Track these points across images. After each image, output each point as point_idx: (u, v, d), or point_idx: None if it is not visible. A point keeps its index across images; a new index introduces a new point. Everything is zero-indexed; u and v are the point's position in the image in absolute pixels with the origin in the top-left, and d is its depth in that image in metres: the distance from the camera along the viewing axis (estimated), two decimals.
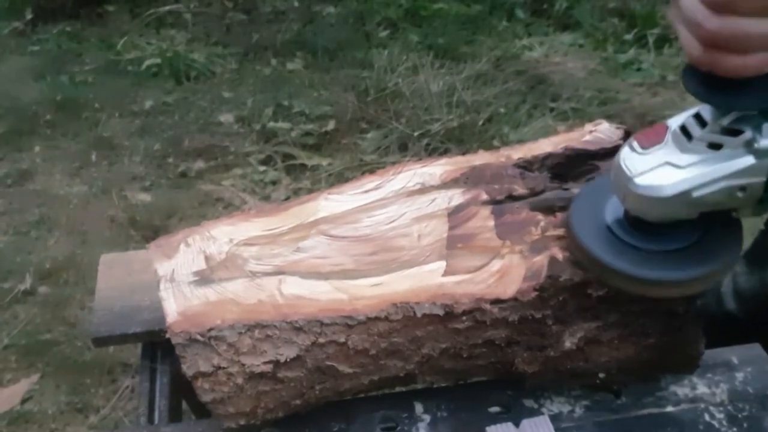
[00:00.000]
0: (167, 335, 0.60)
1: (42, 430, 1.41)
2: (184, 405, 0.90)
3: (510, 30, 2.59)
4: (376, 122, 2.14)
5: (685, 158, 0.54)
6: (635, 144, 0.57)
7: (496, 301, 0.62)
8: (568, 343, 0.65)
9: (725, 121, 0.53)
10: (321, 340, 0.61)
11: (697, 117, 0.54)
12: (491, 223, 0.68)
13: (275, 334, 0.60)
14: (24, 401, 1.46)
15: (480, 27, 2.59)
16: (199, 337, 0.60)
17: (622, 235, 0.60)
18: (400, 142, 2.06)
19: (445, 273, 0.64)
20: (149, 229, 1.82)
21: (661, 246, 0.59)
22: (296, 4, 2.74)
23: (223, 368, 0.60)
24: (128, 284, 0.87)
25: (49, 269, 1.73)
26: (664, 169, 0.54)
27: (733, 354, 0.75)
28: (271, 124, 2.16)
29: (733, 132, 0.53)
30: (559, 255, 0.64)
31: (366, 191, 0.73)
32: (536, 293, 0.62)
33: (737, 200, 0.55)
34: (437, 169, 0.75)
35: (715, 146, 0.53)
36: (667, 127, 0.56)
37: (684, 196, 0.54)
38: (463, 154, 0.77)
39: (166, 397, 0.81)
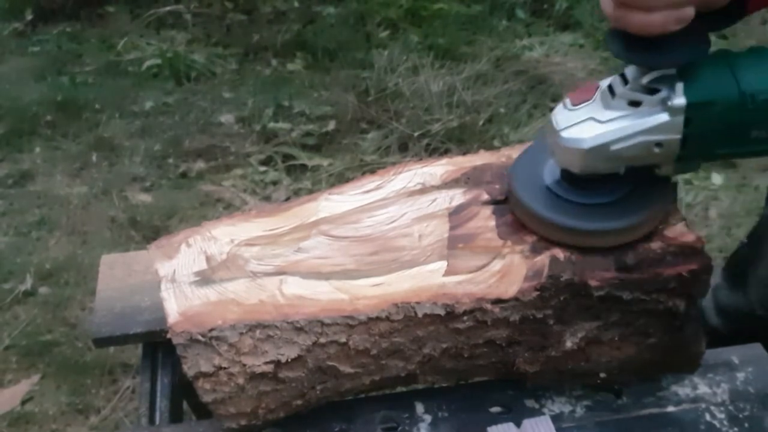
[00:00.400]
0: (168, 335, 0.60)
1: (42, 431, 1.41)
2: (185, 405, 0.90)
3: (510, 30, 2.58)
4: (376, 122, 2.14)
5: (607, 114, 0.57)
6: (567, 101, 0.60)
7: (497, 301, 0.62)
8: (569, 343, 0.65)
9: (644, 80, 0.56)
10: (322, 340, 0.61)
11: (622, 76, 0.58)
12: (492, 223, 0.68)
13: (276, 334, 0.60)
14: (24, 402, 1.45)
15: (480, 27, 2.58)
16: (200, 338, 0.60)
17: (558, 191, 0.64)
18: (401, 142, 2.06)
19: (446, 273, 0.64)
20: (150, 230, 1.82)
21: (593, 200, 0.62)
22: (296, 4, 2.74)
23: (225, 368, 0.60)
24: (129, 285, 0.87)
25: (50, 270, 1.73)
26: (588, 123, 0.58)
27: (734, 354, 0.75)
28: (272, 124, 2.16)
29: (651, 90, 0.56)
30: (560, 255, 0.64)
31: (367, 191, 0.73)
32: (537, 293, 0.62)
33: (654, 156, 0.58)
34: (438, 169, 0.75)
35: (634, 103, 0.56)
36: (597, 86, 0.59)
37: (603, 149, 0.57)
38: (464, 154, 0.77)
39: (167, 397, 0.81)
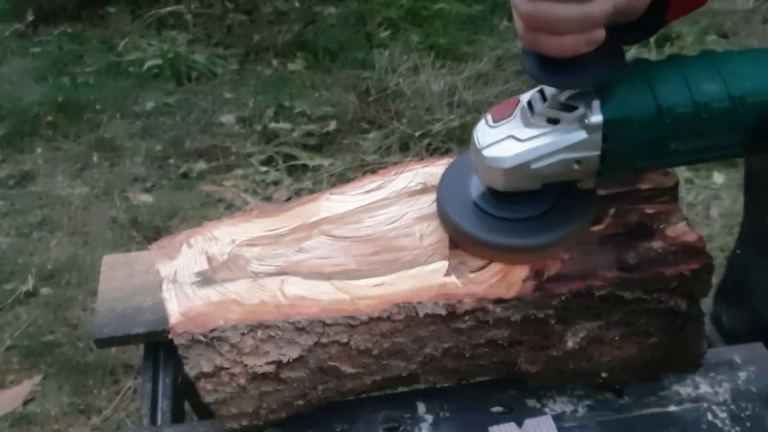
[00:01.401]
0: (170, 336, 0.60)
1: (44, 431, 1.41)
2: (187, 406, 0.90)
3: (511, 30, 2.58)
4: (377, 122, 2.14)
5: (526, 132, 0.57)
6: (489, 117, 0.60)
7: (499, 301, 0.62)
8: (571, 343, 0.65)
9: (562, 98, 0.55)
10: (323, 340, 0.61)
11: (541, 92, 0.57)
12: None
13: (278, 334, 0.60)
14: (26, 403, 1.45)
15: (481, 27, 2.58)
16: (201, 338, 0.60)
17: (483, 206, 0.64)
18: (402, 142, 2.06)
19: (448, 273, 0.64)
20: (151, 230, 1.82)
21: (516, 214, 0.62)
22: (297, 4, 2.74)
23: (226, 369, 0.60)
24: (130, 285, 0.87)
25: (51, 270, 1.73)
26: (508, 142, 0.57)
27: (735, 353, 0.75)
28: (273, 124, 2.16)
29: (569, 108, 0.55)
30: (562, 254, 0.64)
31: (368, 191, 0.73)
32: (538, 293, 0.62)
33: (575, 172, 0.58)
34: (439, 169, 0.75)
35: (553, 121, 0.56)
36: (518, 102, 0.59)
37: (524, 168, 0.57)
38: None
39: (169, 398, 0.82)
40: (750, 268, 1.07)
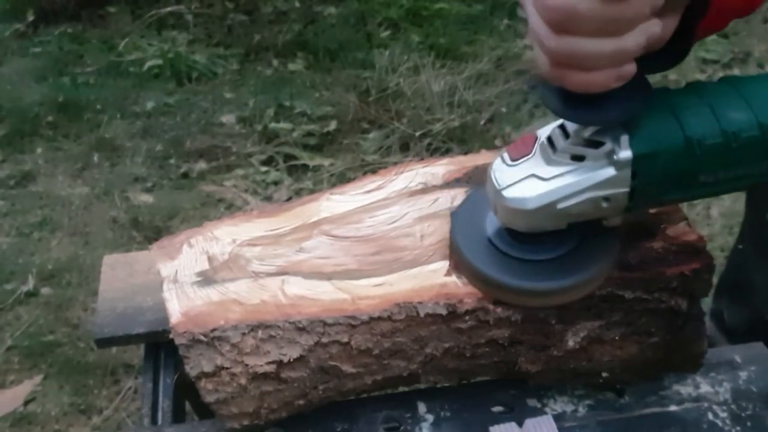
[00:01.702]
0: (170, 336, 0.60)
1: (45, 431, 1.41)
2: (188, 406, 0.90)
3: (511, 29, 2.58)
4: (377, 122, 2.14)
5: (549, 170, 0.54)
6: (506, 155, 0.57)
7: (499, 301, 0.62)
8: (571, 343, 0.65)
9: (586, 133, 0.53)
10: (324, 340, 0.61)
11: (562, 128, 0.55)
12: None
13: (278, 334, 0.60)
14: (27, 403, 1.45)
15: (481, 27, 2.58)
16: (202, 338, 0.60)
17: (501, 246, 0.60)
18: (402, 142, 2.06)
19: (448, 273, 0.64)
20: (152, 230, 1.82)
21: (537, 255, 0.59)
22: (297, 4, 2.74)
23: (227, 368, 0.60)
24: (131, 285, 0.87)
25: (52, 270, 1.73)
26: (530, 181, 0.55)
27: (736, 353, 0.75)
28: (273, 124, 2.16)
29: (594, 144, 0.53)
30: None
31: (368, 191, 0.73)
32: None
33: (602, 210, 0.55)
34: (439, 168, 0.75)
35: (578, 158, 0.54)
36: (535, 138, 0.56)
37: (549, 208, 0.54)
38: (465, 153, 0.77)
39: (170, 397, 0.81)
40: (750, 265, 1.07)
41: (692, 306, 0.65)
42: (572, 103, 0.50)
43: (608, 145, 0.53)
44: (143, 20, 2.67)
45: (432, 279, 0.63)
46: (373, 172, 0.75)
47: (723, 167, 0.54)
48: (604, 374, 0.69)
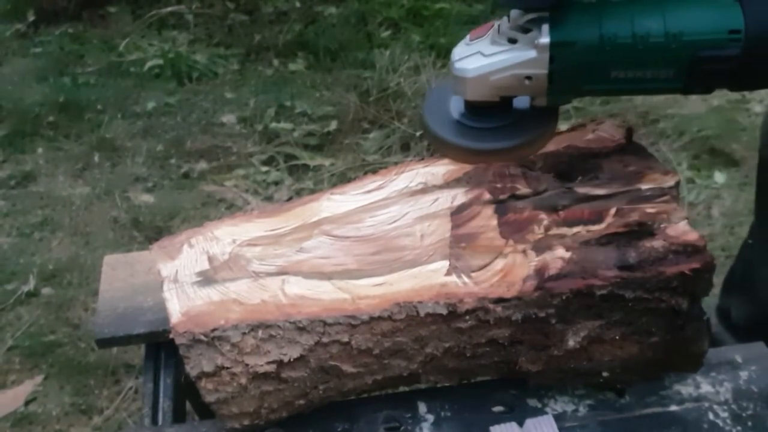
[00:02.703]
0: (171, 336, 0.60)
1: (46, 431, 1.41)
2: (188, 406, 0.90)
3: None
4: (378, 122, 2.14)
5: (491, 48, 0.65)
6: (467, 37, 0.68)
7: (500, 300, 0.62)
8: (572, 342, 0.65)
9: (521, 20, 0.63)
10: (324, 339, 0.61)
11: (508, 17, 0.65)
12: (494, 222, 0.68)
13: (279, 334, 0.60)
14: (28, 403, 1.46)
15: None
16: (202, 338, 0.60)
17: (460, 118, 0.70)
18: (403, 142, 2.06)
19: (448, 272, 0.64)
20: (152, 230, 1.82)
21: (486, 124, 0.69)
22: (298, 4, 2.74)
23: (227, 368, 0.60)
24: (131, 285, 0.87)
25: (53, 271, 1.73)
26: (475, 56, 0.65)
27: (737, 353, 0.75)
28: (274, 124, 2.16)
29: (525, 30, 0.63)
30: (563, 253, 0.64)
31: (368, 191, 0.74)
32: (539, 292, 0.62)
33: (527, 88, 0.65)
34: (440, 168, 0.75)
35: (512, 41, 0.64)
36: (493, 25, 0.67)
37: (484, 79, 0.65)
38: None
39: (170, 398, 0.82)
40: (758, 259, 1.07)
41: (692, 306, 0.65)
42: None
43: (535, 32, 0.63)
44: (144, 20, 2.67)
45: (432, 279, 0.63)
46: (374, 172, 0.75)
47: (632, 66, 0.62)
48: (605, 374, 0.69)
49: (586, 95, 0.69)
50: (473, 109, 0.69)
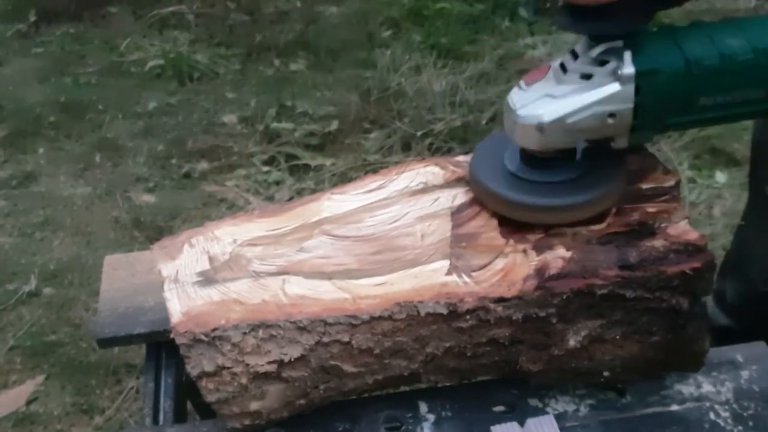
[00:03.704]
0: (171, 336, 0.60)
1: (47, 431, 1.41)
2: (189, 405, 0.90)
3: (513, 29, 2.58)
4: (379, 122, 2.14)
5: (560, 89, 0.60)
6: (522, 83, 0.63)
7: (500, 300, 0.62)
8: (573, 342, 0.65)
9: (594, 53, 0.59)
10: (325, 339, 0.61)
11: (572, 53, 0.61)
12: (495, 222, 0.68)
13: (279, 333, 0.60)
14: (29, 402, 1.46)
15: (483, 26, 2.58)
16: (203, 338, 0.60)
17: (519, 173, 0.66)
18: (404, 141, 2.06)
19: (449, 272, 0.64)
20: (153, 230, 1.83)
21: (552, 178, 0.65)
22: (299, 4, 2.74)
23: (228, 368, 0.60)
24: (132, 285, 0.87)
25: (54, 271, 1.73)
26: (543, 100, 0.60)
27: (738, 352, 0.75)
28: (275, 124, 2.16)
29: (601, 62, 0.59)
30: (563, 253, 0.64)
31: (369, 191, 0.73)
32: (540, 291, 0.62)
33: (609, 127, 0.60)
34: (440, 168, 0.75)
35: (586, 76, 0.59)
36: (549, 66, 0.62)
37: (560, 123, 0.60)
38: (467, 153, 0.77)
39: (171, 397, 0.82)
40: (751, 238, 1.09)
41: (693, 305, 0.65)
42: (580, 18, 0.56)
43: (613, 63, 0.58)
44: (145, 20, 2.68)
45: (433, 278, 0.63)
46: (375, 171, 0.75)
47: (720, 90, 0.59)
48: (606, 373, 0.69)
49: (671, 130, 0.65)
50: (535, 160, 0.64)
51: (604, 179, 0.64)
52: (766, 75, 0.58)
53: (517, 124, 0.61)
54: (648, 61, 0.58)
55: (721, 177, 1.87)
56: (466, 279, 0.63)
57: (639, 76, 0.57)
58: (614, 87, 0.58)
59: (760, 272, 1.05)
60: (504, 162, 0.67)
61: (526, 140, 0.62)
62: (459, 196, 0.71)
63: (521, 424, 0.67)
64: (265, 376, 0.61)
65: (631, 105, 0.58)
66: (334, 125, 2.15)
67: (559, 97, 0.59)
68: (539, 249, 0.65)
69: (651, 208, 0.66)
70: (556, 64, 0.61)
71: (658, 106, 0.59)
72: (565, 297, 0.63)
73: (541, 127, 0.60)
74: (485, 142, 0.71)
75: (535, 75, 0.62)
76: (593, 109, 0.59)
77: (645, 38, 0.58)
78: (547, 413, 0.69)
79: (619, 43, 0.58)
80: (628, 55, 0.57)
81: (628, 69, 0.57)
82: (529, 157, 0.65)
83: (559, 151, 0.63)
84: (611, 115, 0.59)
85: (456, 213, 0.69)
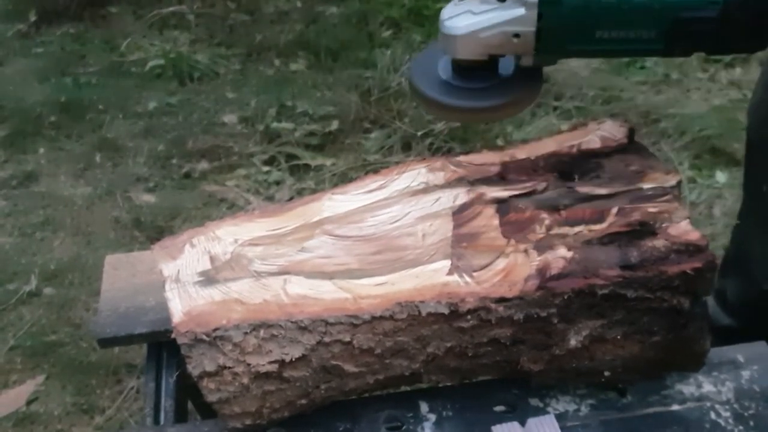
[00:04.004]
0: (173, 335, 0.60)
1: (48, 431, 1.41)
2: (190, 405, 0.90)
3: None
4: (379, 122, 2.14)
5: (480, 7, 0.67)
6: None
7: (501, 300, 0.62)
8: (573, 342, 0.65)
9: None
10: (326, 339, 0.61)
11: None
12: (496, 221, 0.68)
13: (280, 333, 0.60)
14: (29, 402, 1.46)
15: None
16: (204, 337, 0.60)
17: (449, 79, 0.73)
18: (404, 141, 2.05)
19: (450, 272, 0.64)
20: (154, 230, 1.82)
21: (473, 84, 0.72)
22: (299, 4, 2.74)
23: (229, 368, 0.60)
24: (133, 285, 0.87)
25: (54, 270, 1.73)
26: (465, 15, 0.68)
27: (738, 352, 0.75)
28: (275, 124, 2.16)
29: None
30: (564, 253, 0.64)
31: (370, 191, 0.73)
32: (541, 292, 0.62)
33: (515, 46, 0.68)
34: (441, 168, 0.75)
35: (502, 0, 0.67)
36: None
37: (473, 36, 0.67)
38: (467, 153, 0.77)
39: (172, 397, 0.82)
40: (749, 237, 1.09)
41: (694, 305, 0.65)
42: None
43: None
44: (145, 20, 2.68)
45: (434, 278, 0.63)
46: (375, 171, 0.75)
47: (616, 26, 0.65)
48: (606, 373, 0.69)
49: (572, 56, 0.71)
50: (461, 69, 0.72)
51: (517, 88, 0.72)
52: (658, 17, 0.64)
53: (442, 33, 0.69)
54: None
55: (721, 177, 1.87)
56: (468, 279, 0.63)
57: (542, 4, 0.65)
58: (520, 11, 0.66)
59: (760, 271, 1.06)
60: (437, 70, 0.74)
61: (448, 48, 0.70)
62: (460, 195, 0.71)
63: (522, 423, 0.67)
64: (267, 376, 0.61)
65: (533, 28, 0.66)
66: (335, 125, 2.14)
67: (478, 13, 0.67)
68: (540, 249, 0.65)
69: (652, 208, 0.67)
70: None
71: (557, 33, 0.66)
72: (566, 297, 0.63)
73: (458, 38, 0.68)
74: (423, 53, 0.77)
75: None
76: (501, 28, 0.67)
77: None
78: (548, 413, 0.70)
79: None
80: None
81: None
82: (457, 67, 0.72)
83: (482, 62, 0.70)
84: (516, 35, 0.67)
85: (457, 213, 0.69)
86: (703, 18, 0.63)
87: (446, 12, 0.69)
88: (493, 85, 0.72)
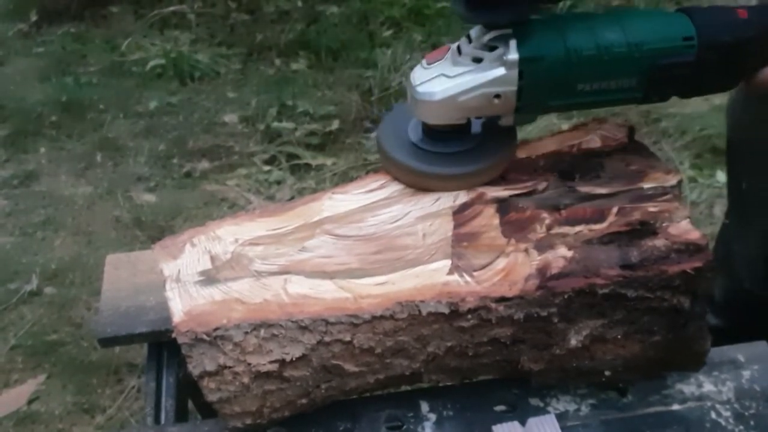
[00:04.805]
0: (173, 335, 0.61)
1: (48, 430, 1.41)
2: (190, 405, 0.90)
3: None
4: (380, 122, 2.14)
5: (455, 70, 0.65)
6: (423, 61, 0.68)
7: (502, 299, 0.62)
8: (574, 341, 0.65)
9: (485, 39, 0.63)
10: (326, 338, 0.61)
11: (468, 37, 0.66)
12: (496, 221, 0.68)
13: (281, 333, 0.60)
14: (30, 402, 1.46)
15: None
16: (204, 337, 0.60)
17: (419, 143, 0.70)
18: None
19: (450, 271, 0.64)
20: (154, 230, 1.83)
21: (447, 149, 0.69)
22: (300, 4, 2.74)
23: (229, 367, 0.61)
24: (134, 285, 0.87)
25: (55, 270, 1.73)
26: (439, 79, 0.65)
27: (739, 352, 0.75)
28: (276, 124, 2.16)
29: (491, 48, 0.64)
30: (565, 253, 0.64)
31: (370, 190, 0.73)
32: (541, 291, 0.62)
33: (495, 107, 0.65)
34: None
35: (477, 60, 0.64)
36: (449, 48, 0.67)
37: (451, 101, 0.65)
38: None
39: (173, 397, 0.82)
40: (733, 236, 1.10)
41: (694, 304, 0.65)
42: (471, 7, 0.61)
43: (501, 49, 0.63)
44: (146, 20, 2.68)
45: (434, 278, 0.63)
46: (376, 171, 0.75)
47: (597, 78, 0.64)
48: (607, 373, 0.69)
49: (553, 111, 0.70)
50: (434, 133, 0.69)
51: (492, 153, 0.70)
52: (638, 66, 0.64)
53: (415, 99, 0.66)
54: (532, 48, 0.63)
55: (722, 176, 1.87)
56: (468, 278, 0.63)
57: (522, 62, 0.62)
58: (500, 71, 0.63)
59: (743, 270, 1.06)
60: (407, 133, 0.72)
61: (422, 114, 0.67)
62: (460, 195, 0.71)
63: (522, 423, 0.67)
64: (267, 376, 0.62)
65: (514, 88, 0.64)
66: (335, 125, 2.15)
67: (453, 77, 0.64)
68: (541, 248, 0.65)
69: (652, 208, 0.67)
70: (454, 46, 0.66)
71: (539, 90, 0.64)
72: (566, 296, 0.63)
73: (434, 104, 0.65)
74: (392, 113, 0.75)
75: (436, 54, 0.67)
76: (481, 90, 0.64)
77: (533, 27, 0.63)
78: (548, 413, 0.70)
79: (509, 31, 0.63)
80: (513, 43, 0.62)
81: (513, 55, 0.62)
82: (429, 130, 0.70)
83: (455, 125, 0.68)
84: (497, 96, 0.64)
85: (457, 212, 0.69)
86: (680, 63, 0.64)
87: (416, 77, 0.67)
88: (470, 149, 0.70)
